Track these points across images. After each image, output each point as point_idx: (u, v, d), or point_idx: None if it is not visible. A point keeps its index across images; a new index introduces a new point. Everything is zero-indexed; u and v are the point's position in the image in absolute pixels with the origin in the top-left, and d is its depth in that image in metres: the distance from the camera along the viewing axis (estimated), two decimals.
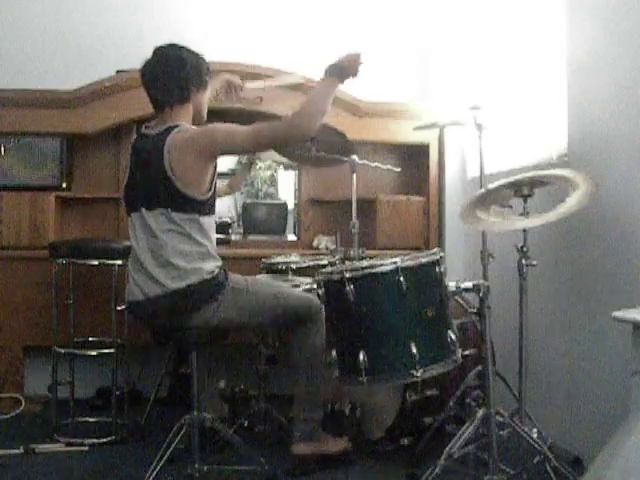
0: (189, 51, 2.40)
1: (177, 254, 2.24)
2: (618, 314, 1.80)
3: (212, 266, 2.30)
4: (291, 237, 3.93)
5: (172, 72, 2.34)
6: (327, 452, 2.53)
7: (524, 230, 2.35)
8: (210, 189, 2.31)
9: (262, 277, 2.96)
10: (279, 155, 3.14)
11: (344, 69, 2.31)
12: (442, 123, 2.94)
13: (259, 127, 2.31)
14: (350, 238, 2.97)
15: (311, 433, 2.49)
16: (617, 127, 2.40)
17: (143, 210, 2.30)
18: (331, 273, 2.22)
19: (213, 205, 2.35)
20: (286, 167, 3.91)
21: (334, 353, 2.23)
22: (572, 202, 2.14)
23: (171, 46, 2.39)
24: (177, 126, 2.30)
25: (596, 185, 2.15)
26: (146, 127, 2.42)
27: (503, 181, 2.36)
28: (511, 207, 2.40)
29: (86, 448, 2.77)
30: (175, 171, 2.23)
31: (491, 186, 2.28)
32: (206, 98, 2.47)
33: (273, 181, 4.16)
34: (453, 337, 2.12)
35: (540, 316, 2.82)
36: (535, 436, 2.32)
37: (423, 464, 2.34)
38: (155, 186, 2.26)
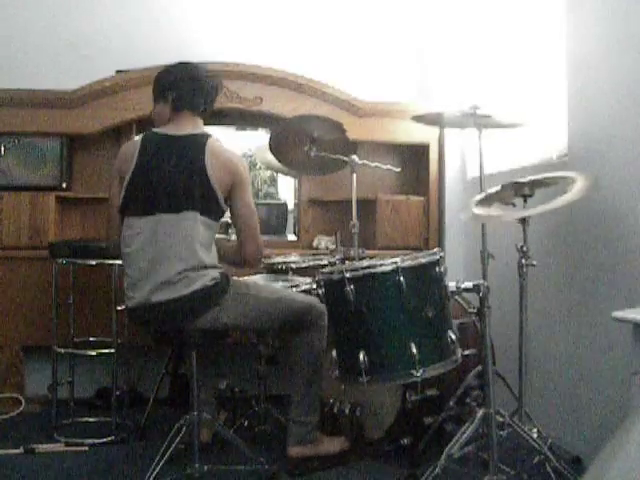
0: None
1: (183, 264, 2.23)
2: (618, 314, 1.80)
3: (215, 272, 2.30)
4: (291, 237, 3.93)
5: (204, 82, 2.43)
6: (323, 453, 2.53)
7: (524, 230, 2.35)
8: (225, 204, 2.36)
9: (264, 277, 2.96)
10: (279, 163, 3.14)
11: None
12: (442, 123, 2.94)
13: (257, 237, 2.40)
14: (350, 238, 2.97)
15: (307, 436, 2.49)
16: (617, 127, 2.40)
17: (160, 214, 2.27)
18: (331, 273, 2.22)
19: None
20: (286, 174, 3.87)
21: (334, 353, 2.23)
22: (572, 194, 2.14)
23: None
24: (210, 135, 2.37)
25: (596, 182, 2.15)
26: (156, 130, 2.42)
27: (504, 184, 2.36)
28: (514, 205, 2.40)
29: (86, 448, 2.77)
30: (213, 175, 2.28)
31: (491, 190, 2.28)
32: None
33: (273, 181, 4.15)
34: (453, 337, 2.11)
35: (540, 316, 2.82)
36: (535, 436, 2.32)
37: (423, 464, 2.34)
38: (190, 186, 2.27)
